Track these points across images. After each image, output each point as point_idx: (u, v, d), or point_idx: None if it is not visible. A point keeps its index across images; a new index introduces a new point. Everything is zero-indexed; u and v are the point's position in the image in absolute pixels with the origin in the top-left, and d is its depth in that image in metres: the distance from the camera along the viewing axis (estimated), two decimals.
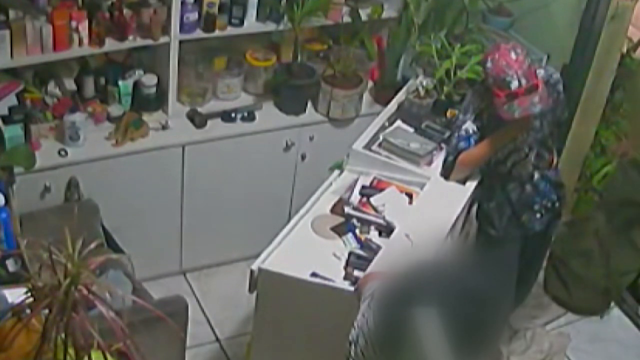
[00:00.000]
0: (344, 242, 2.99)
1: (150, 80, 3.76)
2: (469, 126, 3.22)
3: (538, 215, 3.40)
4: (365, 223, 3.06)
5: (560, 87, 3.30)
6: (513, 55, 3.04)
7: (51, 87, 3.59)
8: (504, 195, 3.35)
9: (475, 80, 3.56)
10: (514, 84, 3.01)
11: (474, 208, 3.44)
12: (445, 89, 3.62)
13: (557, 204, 3.45)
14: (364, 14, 3.97)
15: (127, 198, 3.74)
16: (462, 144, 3.21)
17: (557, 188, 3.45)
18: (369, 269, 2.79)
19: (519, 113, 3.03)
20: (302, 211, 3.13)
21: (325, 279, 2.81)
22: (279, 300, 2.92)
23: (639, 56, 4.04)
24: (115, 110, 3.74)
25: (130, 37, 3.54)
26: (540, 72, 3.17)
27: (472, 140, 3.20)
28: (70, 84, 3.62)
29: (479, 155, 3.23)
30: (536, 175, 3.34)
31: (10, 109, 3.45)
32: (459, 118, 3.28)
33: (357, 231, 3.03)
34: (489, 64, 3.07)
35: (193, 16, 3.60)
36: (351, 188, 3.21)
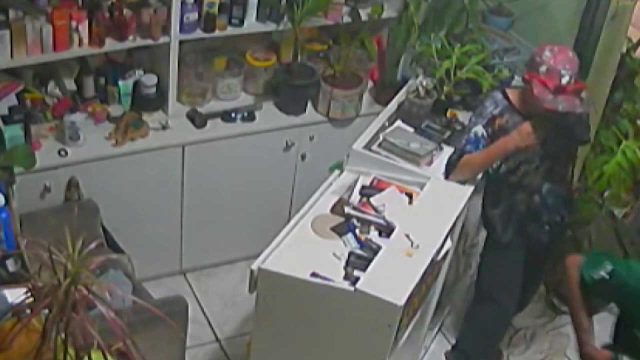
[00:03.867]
0: (344, 242, 2.99)
1: (150, 80, 3.76)
2: (479, 130, 3.22)
3: (546, 228, 3.40)
4: (365, 223, 3.05)
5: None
6: (571, 54, 3.13)
7: (51, 87, 3.59)
8: (511, 204, 3.34)
9: (475, 80, 3.55)
10: (565, 80, 3.07)
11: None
12: (445, 89, 3.62)
13: (565, 219, 3.45)
14: (364, 14, 3.97)
15: (127, 198, 3.74)
16: (468, 147, 3.21)
17: (568, 203, 3.44)
18: (368, 269, 2.79)
19: (562, 107, 3.08)
20: (302, 211, 3.12)
21: (325, 279, 2.80)
22: (279, 300, 2.92)
23: (639, 56, 4.03)
24: (115, 110, 3.75)
25: (130, 37, 3.54)
26: None
27: (480, 145, 3.20)
28: (70, 84, 3.62)
29: (481, 160, 3.21)
30: (545, 188, 3.33)
31: (10, 109, 3.45)
32: (471, 120, 3.29)
33: (357, 231, 3.02)
34: (547, 53, 3.09)
35: (193, 16, 3.60)
36: (351, 188, 3.21)
